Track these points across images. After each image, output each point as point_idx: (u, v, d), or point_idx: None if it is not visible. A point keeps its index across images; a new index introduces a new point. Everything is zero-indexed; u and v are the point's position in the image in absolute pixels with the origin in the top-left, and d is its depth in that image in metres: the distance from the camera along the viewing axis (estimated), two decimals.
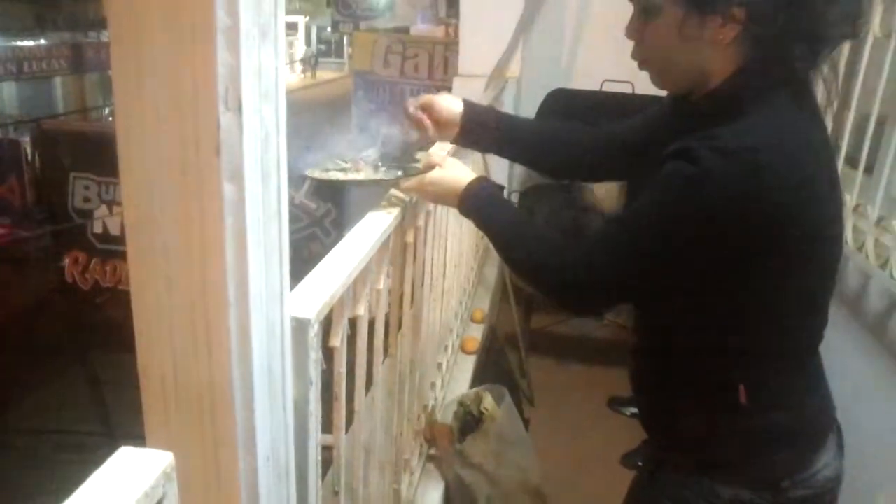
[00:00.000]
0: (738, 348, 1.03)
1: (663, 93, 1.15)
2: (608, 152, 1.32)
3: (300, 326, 0.78)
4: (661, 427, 1.19)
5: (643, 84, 1.17)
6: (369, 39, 4.98)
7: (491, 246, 1.30)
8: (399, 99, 4.74)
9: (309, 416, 0.81)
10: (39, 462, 4.25)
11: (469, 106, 1.33)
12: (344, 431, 1.04)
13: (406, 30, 5.76)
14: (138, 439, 0.57)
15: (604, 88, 3.43)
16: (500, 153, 1.43)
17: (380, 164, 1.37)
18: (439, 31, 5.80)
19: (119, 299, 3.27)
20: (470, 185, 1.19)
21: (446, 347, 2.32)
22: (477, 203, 1.18)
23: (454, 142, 1.37)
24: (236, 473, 0.62)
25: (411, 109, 1.32)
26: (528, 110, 3.53)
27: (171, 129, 0.52)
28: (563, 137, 1.39)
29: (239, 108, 0.52)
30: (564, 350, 3.59)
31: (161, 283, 0.57)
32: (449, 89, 3.48)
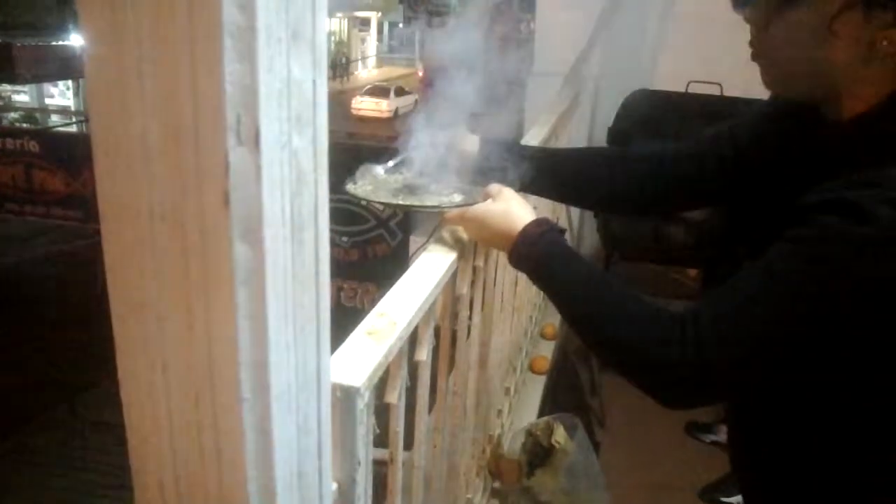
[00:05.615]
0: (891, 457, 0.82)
1: (755, 96, 0.92)
2: (679, 175, 1.07)
3: (346, 396, 0.63)
4: None
5: (732, 86, 1.01)
6: None
7: None
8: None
9: (356, 501, 0.67)
10: (108, 457, 4.31)
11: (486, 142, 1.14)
12: (400, 497, 0.89)
13: None
14: None
15: (689, 90, 3.21)
16: (531, 188, 1.14)
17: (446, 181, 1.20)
18: None
19: None
20: (526, 229, 0.93)
21: (514, 369, 2.16)
22: (534, 253, 0.91)
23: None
24: None
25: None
26: (607, 112, 3.33)
27: (163, 170, 0.38)
28: (612, 162, 1.13)
29: (256, 142, 0.37)
30: None
31: (156, 371, 0.43)
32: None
